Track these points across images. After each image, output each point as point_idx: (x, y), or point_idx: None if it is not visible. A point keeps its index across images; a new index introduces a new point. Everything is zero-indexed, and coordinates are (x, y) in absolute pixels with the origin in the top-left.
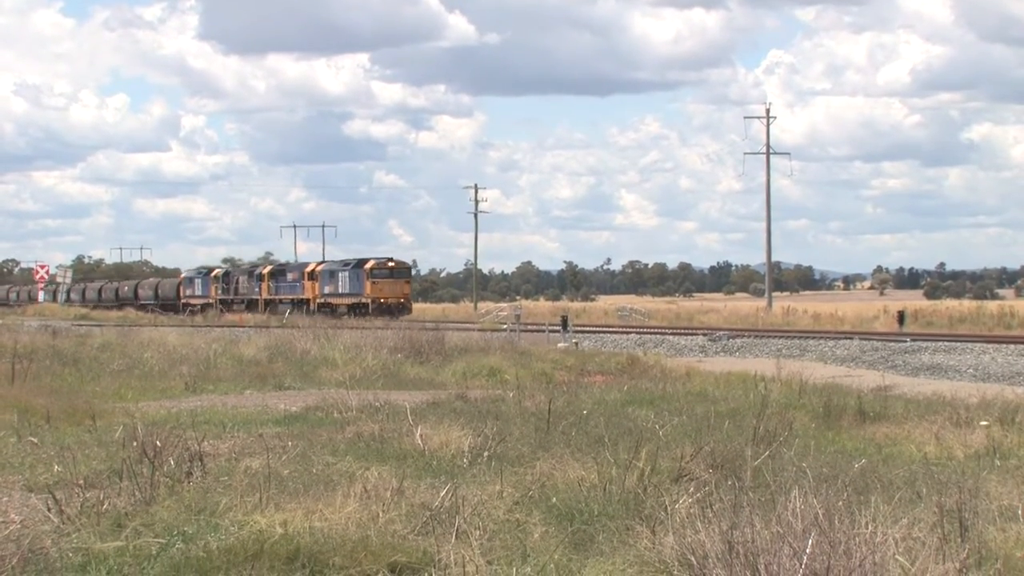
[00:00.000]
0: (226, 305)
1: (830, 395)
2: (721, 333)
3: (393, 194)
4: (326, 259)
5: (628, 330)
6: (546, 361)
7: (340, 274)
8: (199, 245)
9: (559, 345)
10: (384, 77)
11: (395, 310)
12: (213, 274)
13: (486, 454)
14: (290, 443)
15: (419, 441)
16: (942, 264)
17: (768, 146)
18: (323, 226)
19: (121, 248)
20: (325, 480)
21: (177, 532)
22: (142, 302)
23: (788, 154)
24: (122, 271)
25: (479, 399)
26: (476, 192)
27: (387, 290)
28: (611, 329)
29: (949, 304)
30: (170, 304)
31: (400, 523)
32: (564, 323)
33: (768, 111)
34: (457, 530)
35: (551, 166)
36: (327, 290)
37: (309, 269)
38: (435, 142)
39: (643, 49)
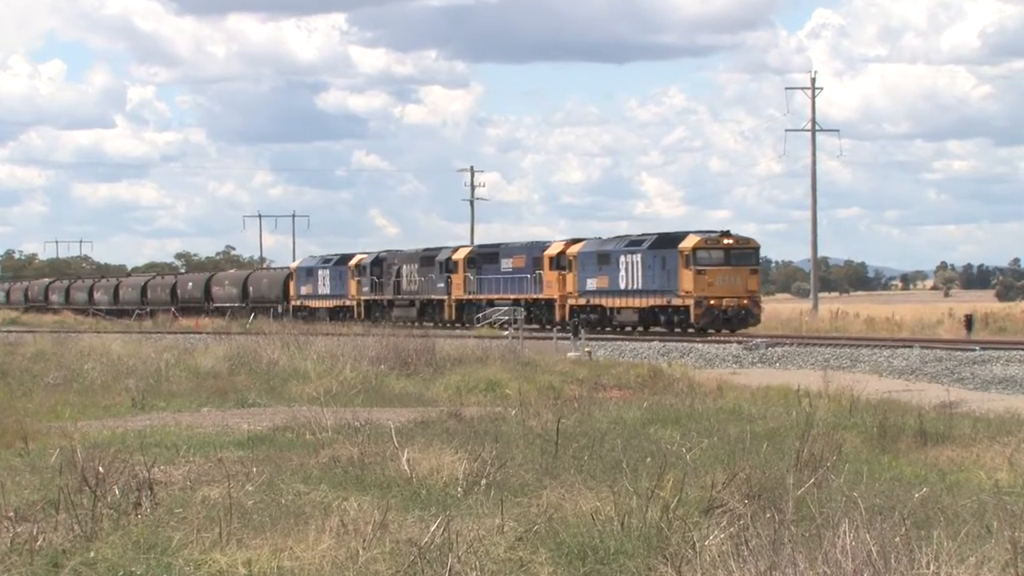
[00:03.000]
0: (380, 309)
1: (886, 413)
2: (759, 340)
3: (375, 178)
4: (586, 237)
5: (650, 337)
6: (554, 373)
7: (627, 257)
8: (148, 238)
9: (569, 354)
10: (364, 41)
11: (734, 318)
12: (354, 262)
13: (484, 482)
14: (255, 469)
15: (405, 467)
16: (1016, 260)
17: (814, 122)
18: (293, 215)
19: (57, 241)
20: (296, 512)
21: (123, 573)
22: (217, 304)
23: (837, 131)
24: (58, 268)
25: (476, 417)
26: (472, 175)
27: (722, 284)
28: (630, 336)
29: None
30: (268, 305)
31: (383, 562)
32: (576, 329)
33: (813, 81)
34: (450, 571)
35: (560, 145)
36: (592, 285)
37: (553, 252)
38: (424, 117)
39: (668, 8)
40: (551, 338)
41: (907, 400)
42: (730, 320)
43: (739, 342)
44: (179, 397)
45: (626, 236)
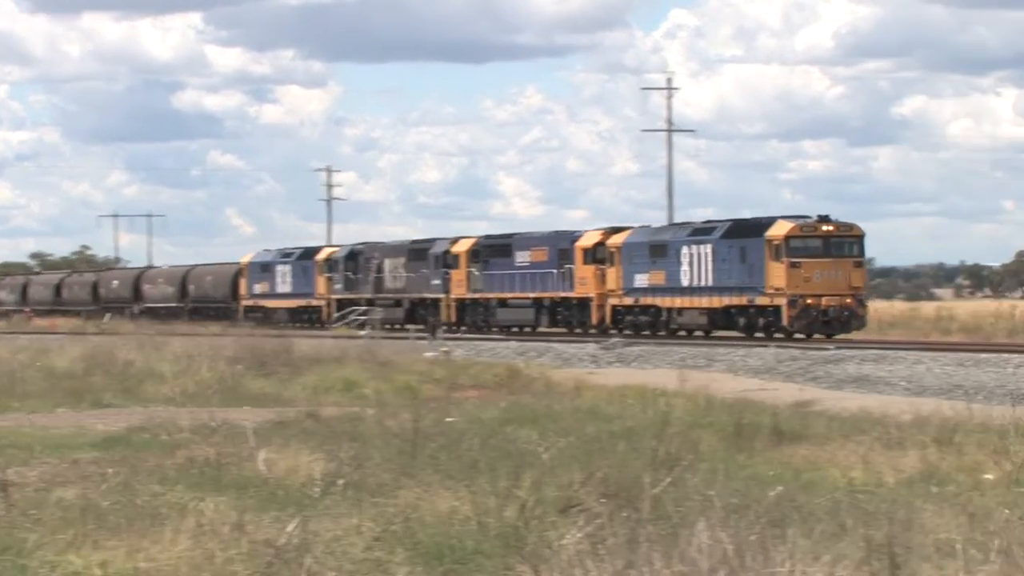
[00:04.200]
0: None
1: (741, 412)
2: (616, 340)
3: (231, 177)
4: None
5: (508, 338)
6: (411, 373)
7: (691, 248)
8: (1, 237)
9: (427, 354)
10: (220, 40)
11: (835, 320)
12: (323, 256)
13: (341, 482)
14: (110, 470)
15: (262, 467)
16: (870, 259)
17: (670, 122)
18: (149, 215)
19: None
20: (152, 513)
21: None
22: (149, 304)
23: (693, 131)
24: None
25: (333, 418)
26: (329, 175)
27: (821, 279)
28: (487, 336)
29: (879, 306)
30: (214, 306)
31: (240, 563)
32: (433, 329)
33: (670, 81)
34: (307, 571)
35: (416, 145)
36: (643, 281)
37: (589, 242)
38: (281, 117)
39: (525, 8)
40: (408, 338)
41: (762, 399)
42: (831, 322)
43: (597, 342)
44: (33, 398)
45: (688, 223)
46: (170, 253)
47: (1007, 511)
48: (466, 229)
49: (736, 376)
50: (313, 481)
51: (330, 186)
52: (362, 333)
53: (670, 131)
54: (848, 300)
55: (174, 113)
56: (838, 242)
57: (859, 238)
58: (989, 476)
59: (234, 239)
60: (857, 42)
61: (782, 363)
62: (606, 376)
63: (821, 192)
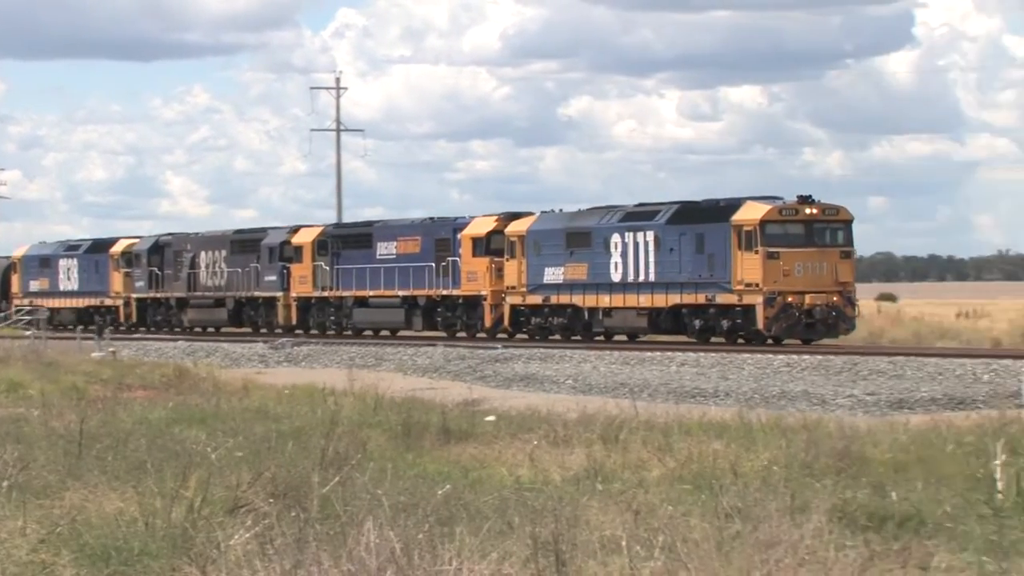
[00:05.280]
0: (165, 310)
1: (410, 411)
2: (285, 340)
3: None
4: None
5: (176, 337)
6: (78, 373)
7: (625, 236)
8: None
9: (94, 355)
10: None
11: (821, 322)
12: (119, 248)
13: (5, 484)
14: None
15: None
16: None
17: (338, 122)
18: None
19: None
20: None
21: None
22: None
23: (362, 131)
24: None
25: None
26: None
27: (804, 273)
28: (156, 336)
29: None
30: None
31: None
32: (100, 330)
33: (338, 81)
34: None
35: (83, 143)
36: (556, 276)
37: (480, 230)
38: None
39: (193, 6)
40: (75, 338)
41: (431, 398)
42: (815, 325)
43: (264, 341)
44: None
45: (617, 207)
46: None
47: (671, 507)
48: (133, 229)
49: (405, 375)
50: None
51: None
52: (28, 333)
53: (339, 131)
54: (835, 298)
55: None
56: (823, 228)
57: (847, 223)
58: (654, 473)
59: None
60: (524, 43)
61: (451, 362)
62: (275, 376)
63: (489, 192)
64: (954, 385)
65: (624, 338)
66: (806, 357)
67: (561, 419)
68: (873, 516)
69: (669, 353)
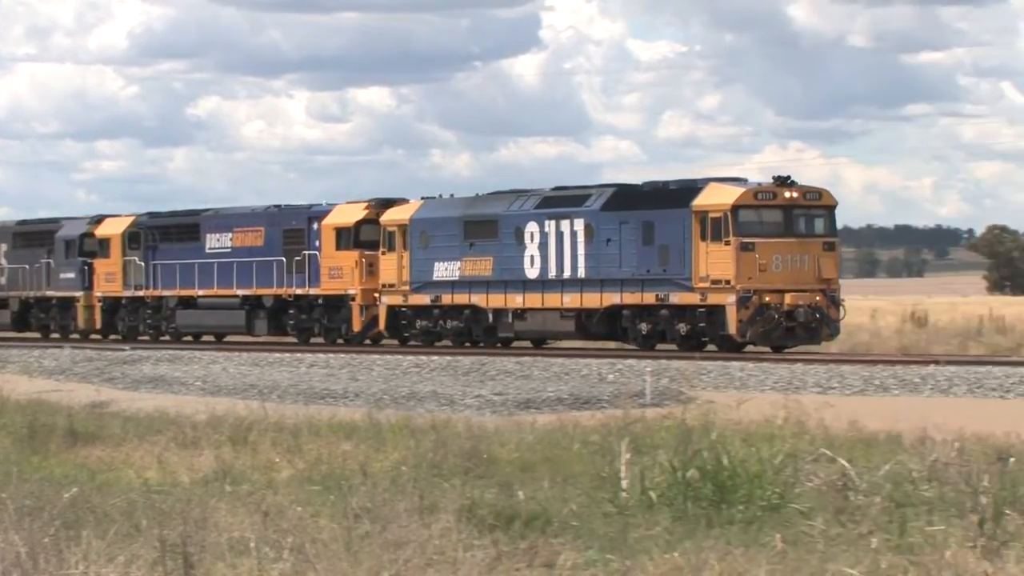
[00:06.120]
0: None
1: (36, 413)
2: None
3: None
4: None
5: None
6: None
7: (545, 224)
8: None
9: None
10: None
11: (803, 326)
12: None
13: None
14: None
15: None
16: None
17: None
18: None
19: None
20: None
21: None
22: None
23: None
24: None
25: None
26: None
27: (783, 268)
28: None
29: None
30: None
31: None
32: None
33: None
34: None
35: None
36: (450, 271)
37: (347, 220)
38: None
39: None
40: None
41: (58, 400)
42: (795, 329)
43: None
44: None
45: (528, 191)
46: None
47: (300, 508)
48: None
49: (31, 378)
50: None
51: None
52: None
53: None
54: (818, 298)
55: None
56: (803, 215)
57: (830, 209)
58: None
59: None
60: (151, 42)
61: (78, 364)
62: None
63: (117, 192)
64: (580, 385)
65: (529, 344)
66: (435, 358)
67: (190, 421)
68: (500, 516)
69: (299, 354)
